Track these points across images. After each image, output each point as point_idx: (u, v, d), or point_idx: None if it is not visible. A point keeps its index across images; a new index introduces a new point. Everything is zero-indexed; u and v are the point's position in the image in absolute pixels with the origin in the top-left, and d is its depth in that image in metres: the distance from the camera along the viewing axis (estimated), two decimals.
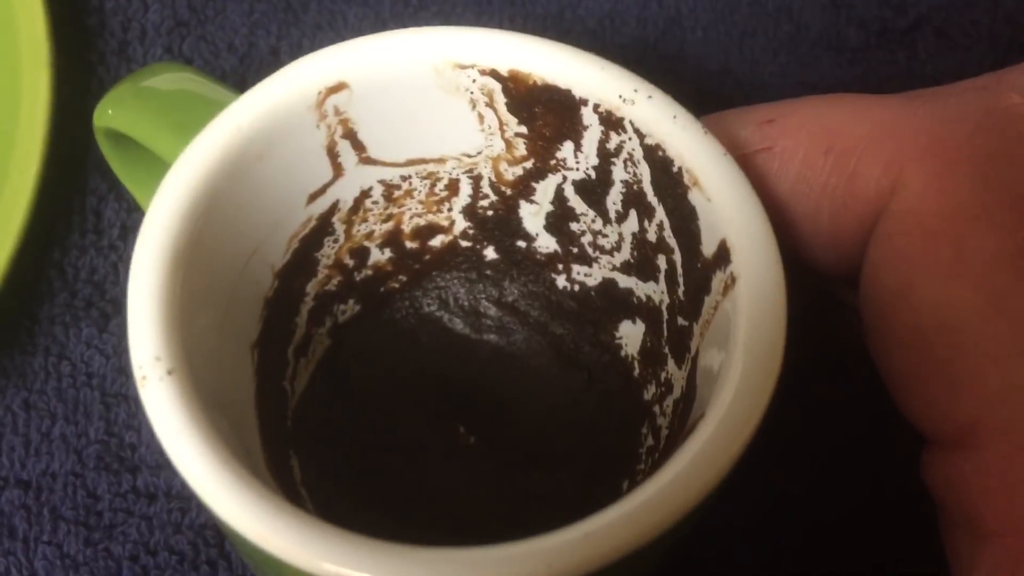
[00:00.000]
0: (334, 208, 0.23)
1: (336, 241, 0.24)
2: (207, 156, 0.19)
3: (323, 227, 0.23)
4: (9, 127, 0.26)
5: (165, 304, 0.18)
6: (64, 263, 0.28)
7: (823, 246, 0.20)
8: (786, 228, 0.19)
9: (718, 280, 0.19)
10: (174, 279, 0.18)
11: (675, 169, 0.20)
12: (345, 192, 0.23)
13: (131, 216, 0.29)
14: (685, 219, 0.20)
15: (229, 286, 0.21)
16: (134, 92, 0.22)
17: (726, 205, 0.19)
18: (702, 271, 0.20)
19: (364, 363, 0.25)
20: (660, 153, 0.20)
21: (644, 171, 0.21)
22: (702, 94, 0.29)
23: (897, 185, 0.18)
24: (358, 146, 0.22)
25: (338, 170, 0.22)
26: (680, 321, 0.22)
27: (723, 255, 0.19)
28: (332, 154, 0.22)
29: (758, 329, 0.17)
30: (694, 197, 0.20)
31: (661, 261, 0.22)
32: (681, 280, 0.21)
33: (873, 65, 0.31)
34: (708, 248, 0.20)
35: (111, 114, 0.22)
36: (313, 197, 0.22)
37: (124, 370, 0.28)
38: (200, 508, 0.27)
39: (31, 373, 0.27)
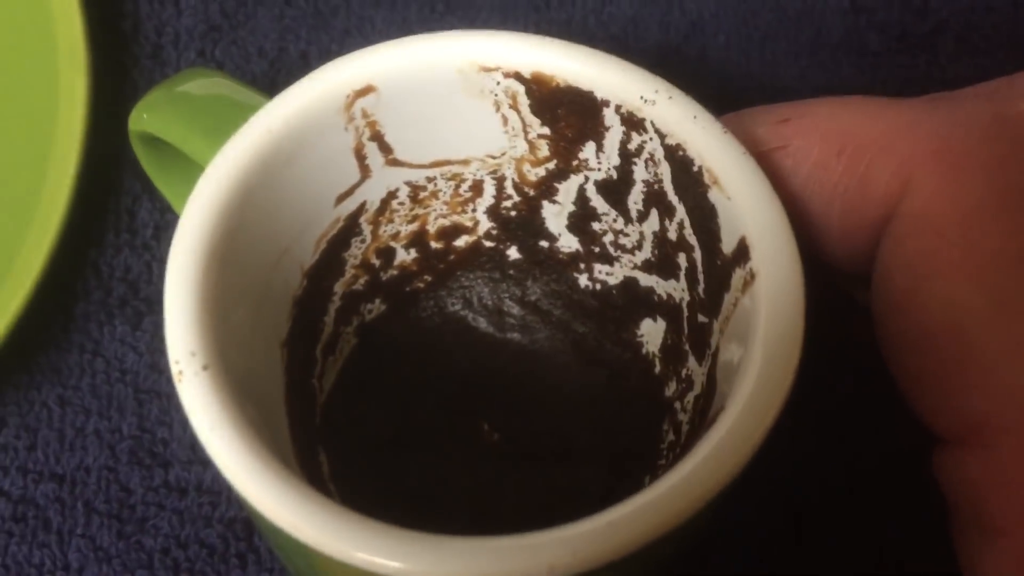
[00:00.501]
0: (361, 209, 0.23)
1: (363, 241, 0.24)
2: (239, 159, 0.20)
3: (351, 227, 0.24)
4: (48, 129, 0.27)
5: (200, 301, 0.18)
6: (99, 262, 0.28)
7: (834, 244, 0.20)
8: (799, 226, 0.19)
9: (738, 277, 0.20)
10: (208, 277, 0.19)
11: (695, 168, 0.20)
12: (372, 193, 0.23)
13: (164, 217, 0.30)
14: (705, 217, 0.21)
15: (262, 284, 0.21)
16: (168, 97, 0.22)
17: (745, 203, 0.19)
18: (722, 268, 0.20)
19: (390, 361, 0.26)
20: (681, 153, 0.20)
21: (665, 170, 0.21)
22: (724, 98, 0.29)
23: (908, 188, 0.19)
24: (385, 148, 0.22)
25: (365, 171, 0.23)
26: (700, 318, 0.22)
27: (743, 252, 0.19)
28: (360, 156, 0.22)
29: (777, 323, 0.18)
30: (714, 196, 0.20)
31: (681, 259, 0.22)
32: (701, 277, 0.22)
33: (894, 70, 0.31)
34: (728, 245, 0.20)
35: (146, 118, 0.22)
36: (341, 198, 0.23)
37: (157, 367, 0.28)
38: (230, 502, 0.27)
39: (66, 369, 0.28)
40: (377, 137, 0.22)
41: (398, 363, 0.26)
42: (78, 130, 0.27)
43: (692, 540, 0.19)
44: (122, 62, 0.30)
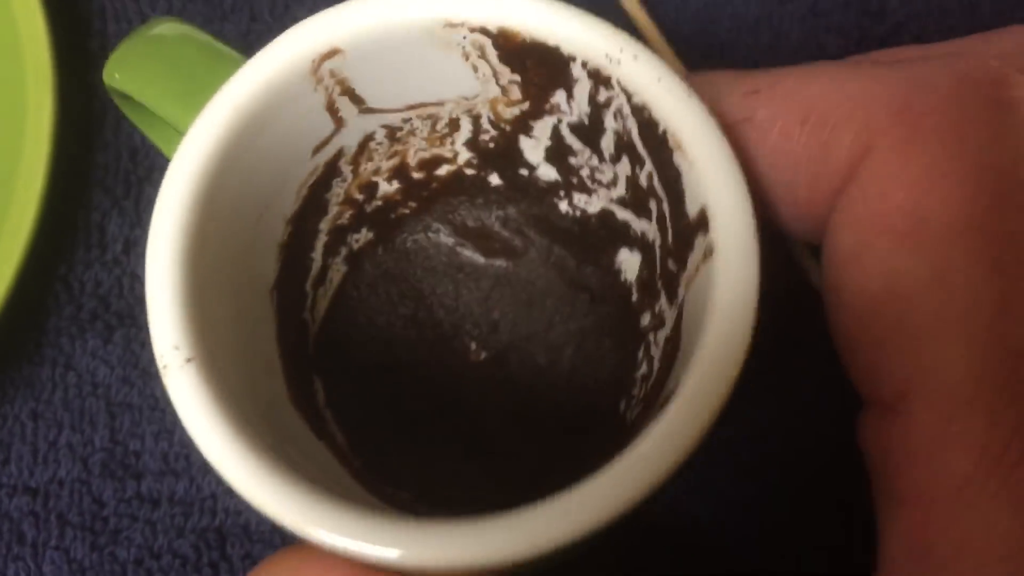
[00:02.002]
0: (339, 154, 0.24)
1: (344, 181, 0.25)
2: (207, 141, 0.20)
3: (331, 171, 0.24)
4: (15, 145, 0.27)
5: (181, 290, 0.19)
6: (70, 277, 0.28)
7: (800, 217, 0.20)
8: (764, 199, 0.20)
9: (699, 244, 0.20)
10: (188, 261, 0.20)
11: (660, 131, 0.20)
12: (349, 139, 0.24)
13: (133, 231, 0.30)
14: (671, 178, 0.21)
15: (243, 245, 0.22)
16: (139, 55, 0.22)
17: (707, 171, 0.19)
18: (687, 229, 0.21)
19: (379, 287, 0.27)
20: (646, 114, 0.20)
21: (632, 125, 0.21)
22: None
23: (867, 153, 0.18)
24: (357, 100, 0.23)
25: (339, 123, 0.23)
26: (670, 264, 0.23)
27: (702, 222, 0.20)
28: (332, 110, 0.22)
29: (729, 307, 0.18)
30: (678, 159, 0.20)
31: (653, 205, 0.23)
32: (670, 228, 0.22)
33: None
34: (691, 210, 0.20)
35: (118, 78, 0.22)
36: (317, 149, 0.23)
37: (128, 380, 0.29)
38: (203, 512, 0.28)
39: (39, 384, 0.28)
40: (348, 92, 0.22)
41: (387, 288, 0.27)
42: (45, 146, 0.27)
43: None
44: (89, 81, 0.30)
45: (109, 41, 0.30)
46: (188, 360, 0.19)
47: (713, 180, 0.19)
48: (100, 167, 0.29)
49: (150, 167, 0.28)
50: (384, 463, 0.25)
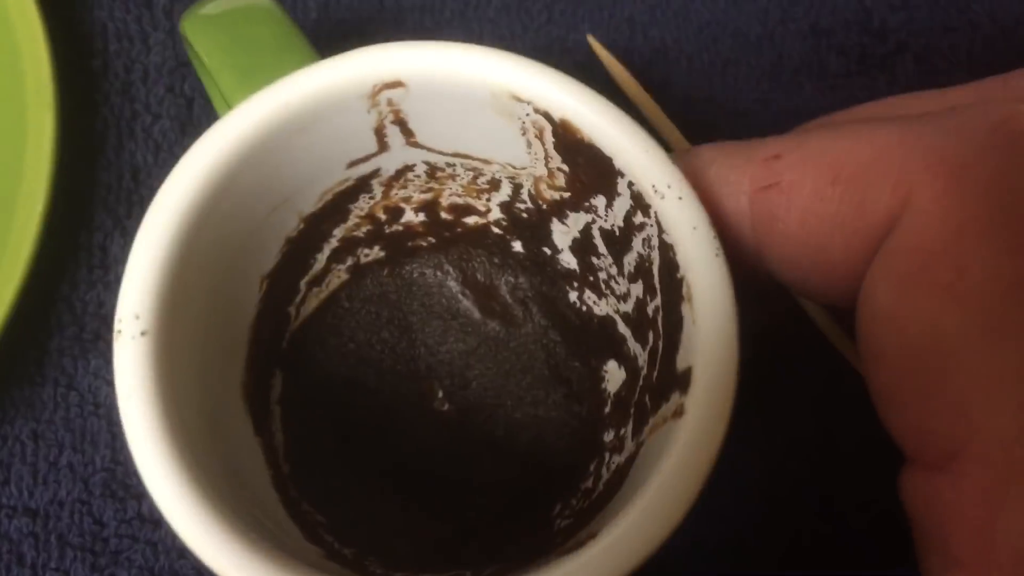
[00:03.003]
0: (375, 174, 0.24)
1: (372, 198, 0.25)
2: (248, 125, 0.20)
3: (361, 186, 0.24)
4: (16, 166, 0.26)
5: (163, 262, 0.19)
6: (72, 297, 0.28)
7: (833, 279, 0.19)
8: (794, 266, 0.19)
9: (674, 399, 0.20)
10: (181, 238, 0.19)
11: (679, 275, 0.20)
12: (388, 163, 0.23)
13: None
14: (673, 324, 0.20)
15: (247, 232, 0.22)
16: (219, 17, 0.22)
17: (707, 336, 0.19)
18: (669, 378, 0.20)
19: (372, 305, 0.26)
20: (671, 254, 0.20)
21: (656, 258, 0.21)
22: (687, 121, 0.29)
23: (906, 205, 0.17)
24: (407, 132, 0.22)
25: (383, 147, 0.23)
26: (647, 399, 0.22)
27: (685, 381, 0.19)
28: (380, 134, 0.22)
29: (672, 483, 0.18)
30: (685, 310, 0.20)
31: (650, 336, 0.22)
32: (657, 366, 0.22)
33: (854, 91, 0.30)
34: (680, 363, 0.20)
35: (189, 31, 0.22)
36: (355, 163, 0.23)
37: None
38: None
39: (39, 404, 0.28)
40: (400, 123, 0.22)
41: (379, 309, 0.27)
42: (46, 166, 0.26)
43: None
44: (92, 99, 0.29)
45: (110, 60, 0.30)
46: (143, 333, 0.19)
47: (708, 347, 0.19)
48: (102, 186, 0.28)
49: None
50: (309, 476, 0.24)
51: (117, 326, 0.19)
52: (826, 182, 0.18)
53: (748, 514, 0.26)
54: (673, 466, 0.18)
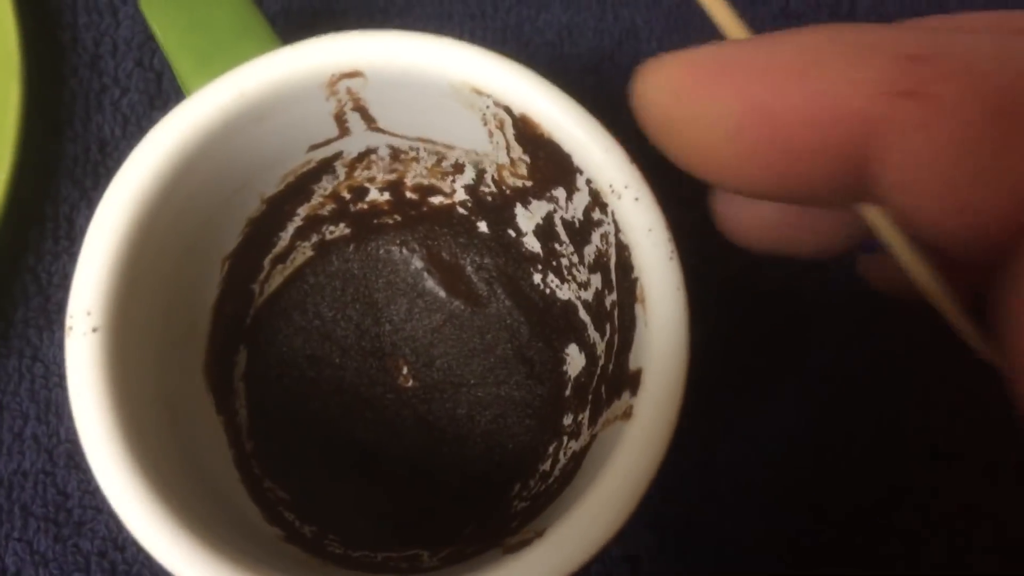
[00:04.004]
0: (338, 156, 0.23)
1: (336, 179, 0.24)
2: (204, 114, 0.20)
3: (324, 168, 0.24)
4: None
5: (115, 255, 0.19)
6: (38, 268, 0.28)
7: (976, 227, 0.14)
8: (916, 202, 0.15)
9: (625, 398, 0.20)
10: (136, 228, 0.19)
11: (632, 276, 0.20)
12: (350, 147, 0.23)
13: None
14: (627, 322, 0.20)
15: (205, 217, 0.22)
16: (170, 0, 0.22)
17: (657, 341, 0.19)
18: (622, 376, 0.20)
19: (337, 281, 0.26)
20: (626, 255, 0.20)
21: (613, 255, 0.21)
22: None
23: None
24: (368, 119, 0.22)
25: (344, 132, 0.22)
26: (603, 390, 0.22)
27: (635, 382, 0.19)
28: (340, 120, 0.22)
29: (615, 487, 0.18)
30: (638, 311, 0.20)
31: (607, 329, 0.22)
32: (613, 359, 0.22)
33: None
34: (632, 363, 0.20)
35: (146, 11, 0.22)
36: (315, 147, 0.23)
37: None
38: None
39: (4, 375, 0.27)
40: (360, 110, 0.22)
41: (345, 285, 0.27)
42: (11, 134, 0.26)
43: None
44: (60, 72, 0.29)
45: (79, 33, 0.29)
46: (94, 329, 0.19)
47: (659, 352, 0.19)
48: (69, 158, 0.28)
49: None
50: (273, 453, 0.25)
51: (68, 322, 0.19)
52: (988, 112, 0.14)
53: (748, 515, 0.27)
54: (618, 470, 0.18)
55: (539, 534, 0.18)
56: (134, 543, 0.26)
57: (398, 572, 0.22)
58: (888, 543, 0.26)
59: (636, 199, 0.20)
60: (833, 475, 0.27)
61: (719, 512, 0.27)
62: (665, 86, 0.17)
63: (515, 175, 0.23)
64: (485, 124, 0.21)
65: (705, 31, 0.30)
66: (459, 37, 0.20)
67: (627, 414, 0.19)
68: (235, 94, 0.20)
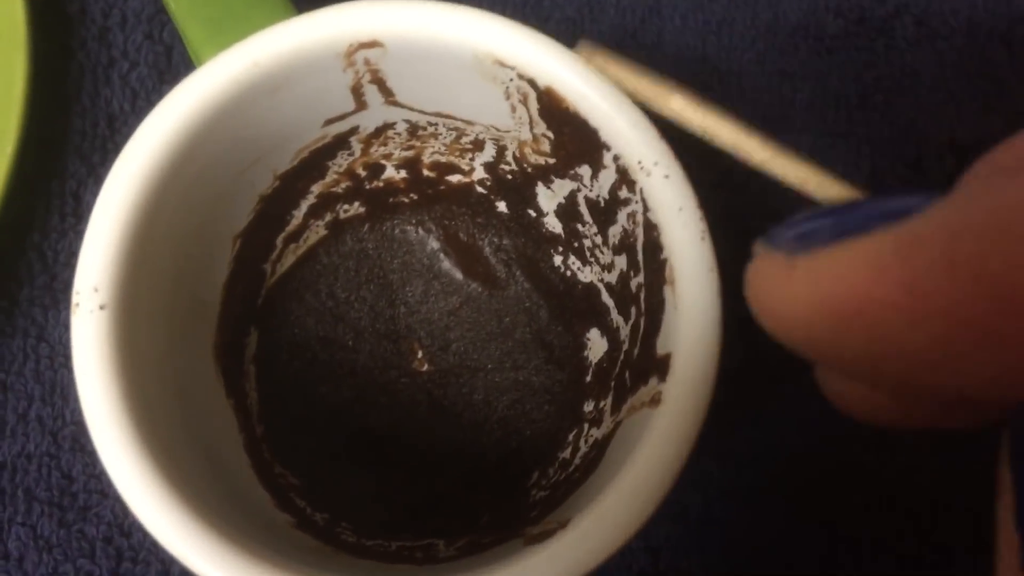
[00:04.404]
0: (353, 131, 0.23)
1: (352, 155, 0.24)
2: (215, 85, 0.19)
3: (339, 143, 0.23)
4: None
5: (124, 231, 0.18)
6: (44, 246, 0.27)
7: None
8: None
9: (652, 384, 0.19)
10: (143, 204, 0.19)
11: (661, 257, 0.19)
12: (367, 121, 0.22)
13: None
14: (655, 305, 0.20)
15: (215, 194, 0.21)
16: None
17: (688, 325, 0.18)
18: (650, 361, 0.20)
19: (351, 261, 0.26)
20: (655, 234, 0.19)
21: (640, 234, 0.20)
22: (680, 82, 0.28)
23: None
24: (386, 92, 0.21)
25: (361, 105, 0.22)
26: (627, 376, 0.22)
27: (664, 367, 0.19)
28: (357, 93, 0.21)
29: (645, 473, 0.17)
30: (667, 293, 0.19)
31: (633, 312, 0.22)
32: (639, 344, 0.21)
33: (852, 53, 0.29)
34: (660, 348, 0.19)
35: None
36: (331, 121, 0.22)
37: None
38: None
39: (9, 355, 0.27)
40: (378, 82, 0.21)
41: (359, 265, 0.26)
42: (16, 110, 0.25)
43: None
44: (68, 45, 0.28)
45: (88, 5, 0.28)
46: (101, 306, 0.18)
47: (689, 336, 0.18)
48: (76, 133, 0.27)
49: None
50: (284, 438, 0.24)
51: (75, 299, 0.18)
52: None
53: (771, 509, 0.26)
54: (646, 459, 0.17)
55: (562, 525, 0.18)
56: (140, 529, 0.26)
57: (413, 562, 0.21)
58: (904, 540, 0.26)
59: (666, 176, 0.19)
60: (860, 469, 0.26)
61: (741, 505, 0.26)
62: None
63: (537, 152, 0.22)
64: (508, 98, 0.21)
65: (730, 7, 0.29)
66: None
67: (655, 400, 0.18)
68: (248, 64, 0.19)
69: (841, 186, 0.16)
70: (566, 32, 0.29)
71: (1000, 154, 0.13)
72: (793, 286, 0.14)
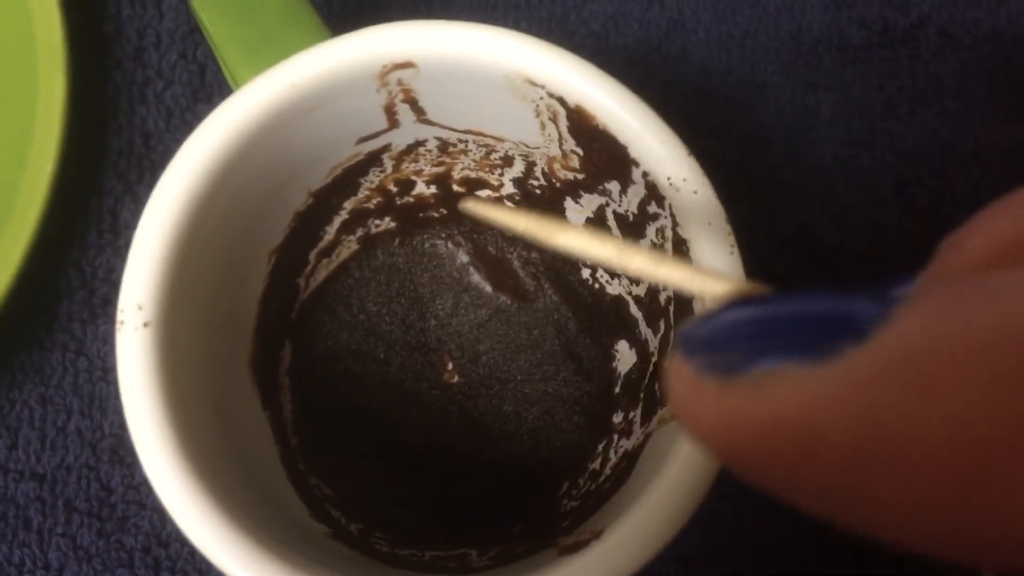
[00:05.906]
0: (386, 148, 0.23)
1: (383, 172, 0.24)
2: (255, 106, 0.19)
3: (371, 161, 0.23)
4: (26, 127, 0.26)
5: (167, 249, 0.19)
6: (82, 262, 0.28)
7: None
8: None
9: None
10: (187, 222, 0.19)
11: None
12: (399, 139, 0.23)
13: None
14: (685, 318, 0.20)
15: (253, 210, 0.22)
16: None
17: None
18: None
19: (382, 275, 0.26)
20: (685, 248, 0.20)
21: (669, 249, 0.20)
22: (704, 94, 0.29)
23: None
24: (418, 110, 0.22)
25: (394, 124, 0.22)
26: (656, 387, 0.22)
27: None
28: (390, 112, 0.22)
29: (672, 494, 0.18)
30: (697, 307, 0.19)
31: (661, 325, 0.22)
32: (668, 356, 0.21)
33: (875, 64, 0.29)
34: None
35: (194, 2, 0.22)
36: (364, 139, 0.22)
37: None
38: None
39: (48, 369, 0.27)
40: (410, 101, 0.21)
41: (390, 279, 0.26)
42: (56, 127, 0.26)
43: None
44: (104, 64, 0.29)
45: (123, 25, 0.29)
46: (146, 324, 0.18)
47: None
48: (113, 151, 0.28)
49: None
50: (318, 449, 0.24)
51: (120, 316, 0.18)
52: None
53: (802, 518, 0.26)
54: (678, 470, 0.18)
55: (596, 535, 0.18)
56: (178, 539, 0.26)
57: (447, 571, 0.21)
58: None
59: (695, 192, 0.19)
60: None
61: (771, 514, 0.26)
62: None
63: (567, 168, 0.22)
64: (537, 115, 0.21)
65: (753, 19, 0.29)
66: (503, 26, 0.20)
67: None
68: (286, 86, 0.20)
69: (730, 283, 0.14)
70: (591, 46, 0.29)
71: (970, 240, 0.12)
72: (727, 403, 0.11)
